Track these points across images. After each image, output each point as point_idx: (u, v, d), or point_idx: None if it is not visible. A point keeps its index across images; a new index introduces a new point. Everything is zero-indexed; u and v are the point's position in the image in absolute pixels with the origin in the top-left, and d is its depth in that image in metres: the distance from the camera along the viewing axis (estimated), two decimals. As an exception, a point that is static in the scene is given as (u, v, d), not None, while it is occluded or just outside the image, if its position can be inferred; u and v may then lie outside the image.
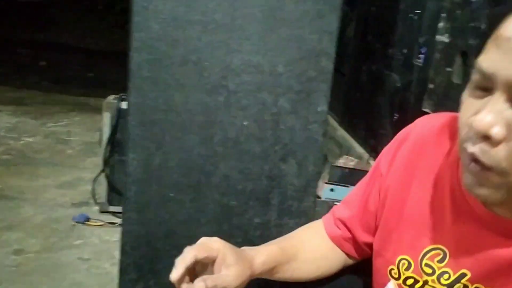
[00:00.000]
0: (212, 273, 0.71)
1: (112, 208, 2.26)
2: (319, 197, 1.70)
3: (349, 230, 0.80)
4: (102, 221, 2.22)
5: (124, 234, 1.34)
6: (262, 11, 1.22)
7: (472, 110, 0.52)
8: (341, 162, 2.30)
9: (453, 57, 1.55)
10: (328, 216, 0.86)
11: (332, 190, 1.82)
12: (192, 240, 1.38)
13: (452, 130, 0.66)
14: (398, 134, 0.76)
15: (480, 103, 0.51)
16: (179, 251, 1.38)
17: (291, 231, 0.90)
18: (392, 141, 0.76)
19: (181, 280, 0.69)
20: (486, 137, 0.49)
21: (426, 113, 1.65)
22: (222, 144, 1.31)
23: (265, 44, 1.25)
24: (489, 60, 0.50)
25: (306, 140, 1.36)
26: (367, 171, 2.11)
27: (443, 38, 1.62)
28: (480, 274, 0.60)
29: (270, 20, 1.23)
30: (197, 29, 1.21)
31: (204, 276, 0.68)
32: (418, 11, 1.87)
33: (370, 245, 0.79)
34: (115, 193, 2.23)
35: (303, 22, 1.24)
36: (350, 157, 2.35)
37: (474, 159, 0.51)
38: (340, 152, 2.62)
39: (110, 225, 2.19)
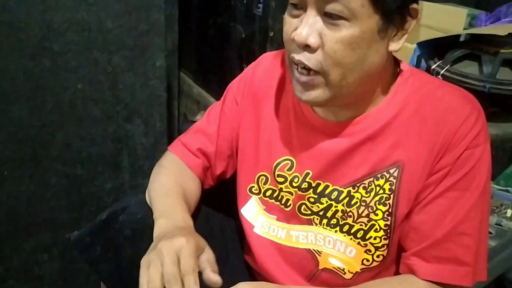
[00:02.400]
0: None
1: None
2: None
3: (209, 161, 0.83)
4: None
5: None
6: (76, -38, 1.13)
7: (292, 27, 0.63)
8: (198, 118, 2.31)
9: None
10: (181, 150, 0.83)
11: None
12: (37, 217, 1.29)
13: None
14: (246, 69, 0.83)
15: (297, 21, 0.63)
16: (24, 232, 1.29)
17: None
18: (241, 75, 0.83)
19: None
20: (306, 47, 0.62)
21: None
22: (56, 111, 1.22)
23: (87, -1, 1.17)
24: None
25: (149, 97, 1.33)
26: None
27: (276, -14, 1.66)
28: (319, 171, 0.72)
29: (88, -28, 1.15)
30: (4, -14, 1.08)
31: (206, 270, 0.61)
32: (251, -39, 1.89)
33: (220, 176, 0.84)
34: None
35: (125, -27, 1.18)
36: (207, 112, 2.38)
37: (302, 67, 0.63)
38: (198, 109, 2.63)
39: None
